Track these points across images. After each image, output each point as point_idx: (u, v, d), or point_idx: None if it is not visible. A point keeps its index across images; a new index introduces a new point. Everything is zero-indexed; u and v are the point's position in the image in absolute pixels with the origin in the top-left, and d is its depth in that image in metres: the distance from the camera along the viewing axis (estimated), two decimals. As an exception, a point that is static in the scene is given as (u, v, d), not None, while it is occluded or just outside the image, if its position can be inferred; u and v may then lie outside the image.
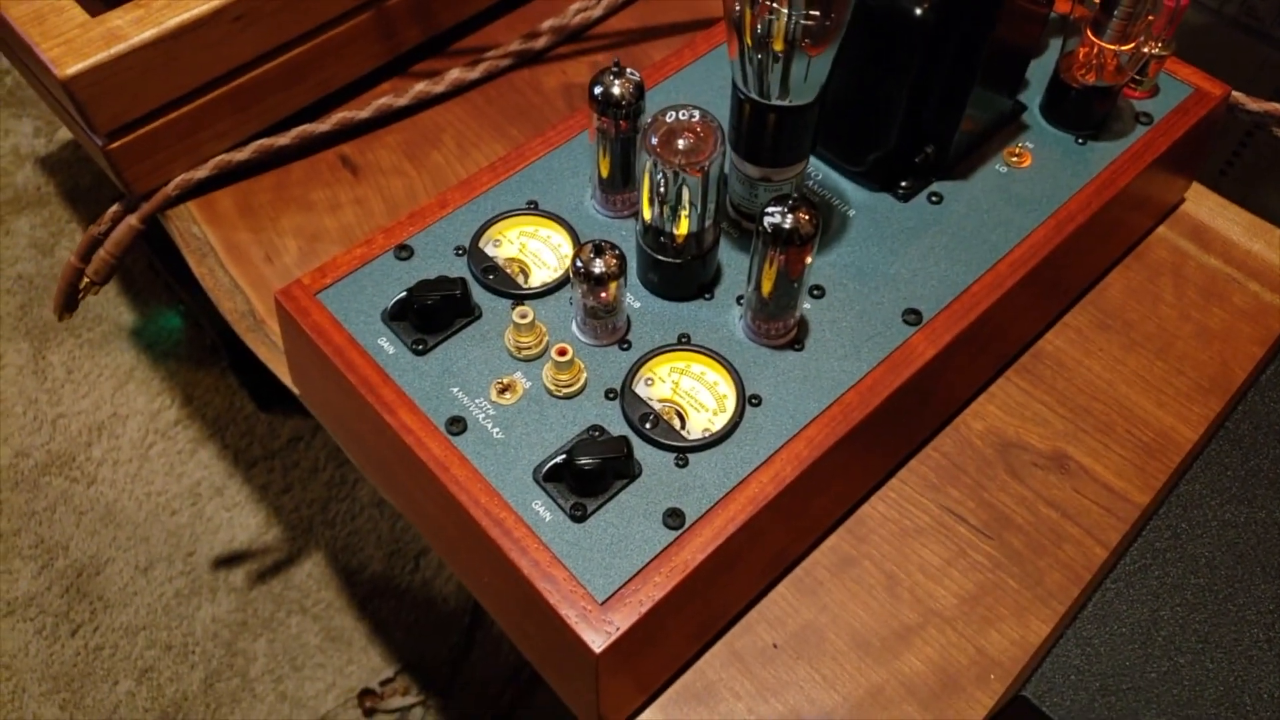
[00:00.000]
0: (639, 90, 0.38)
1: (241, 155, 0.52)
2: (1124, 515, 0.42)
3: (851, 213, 0.42)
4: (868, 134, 0.41)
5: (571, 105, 0.57)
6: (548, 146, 0.45)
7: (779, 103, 0.36)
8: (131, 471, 1.06)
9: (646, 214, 0.37)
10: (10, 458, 0.96)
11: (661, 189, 0.36)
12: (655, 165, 0.35)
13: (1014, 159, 0.44)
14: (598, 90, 0.38)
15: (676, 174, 0.35)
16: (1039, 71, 0.46)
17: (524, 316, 0.37)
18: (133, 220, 0.52)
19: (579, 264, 0.36)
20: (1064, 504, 0.43)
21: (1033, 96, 0.46)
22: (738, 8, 0.33)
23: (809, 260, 0.35)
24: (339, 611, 0.87)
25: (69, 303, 0.55)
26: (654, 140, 0.35)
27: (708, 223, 0.37)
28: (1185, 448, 0.44)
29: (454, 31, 0.59)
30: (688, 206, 0.36)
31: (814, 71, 0.35)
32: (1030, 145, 0.45)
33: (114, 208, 0.52)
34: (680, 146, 0.35)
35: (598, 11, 0.60)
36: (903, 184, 0.43)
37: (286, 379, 0.46)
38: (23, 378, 1.00)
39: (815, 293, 0.40)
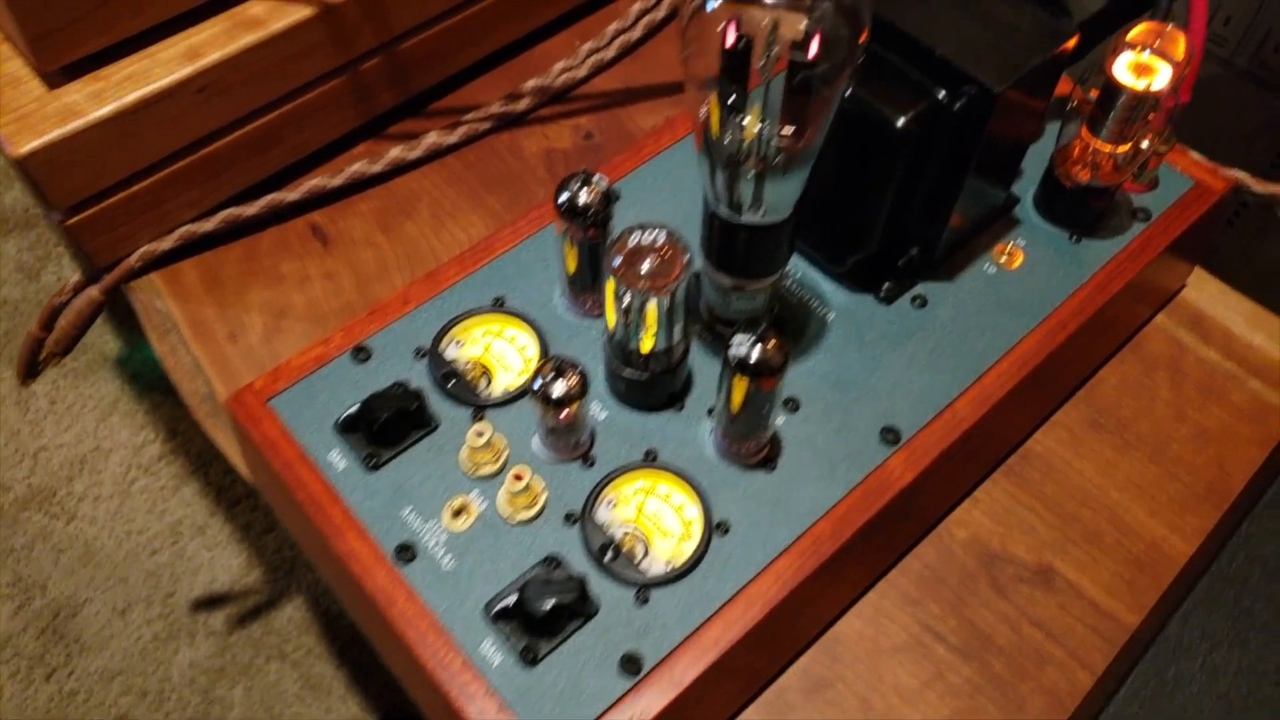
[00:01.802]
0: (606, 199, 0.36)
1: (208, 226, 0.51)
2: (1111, 637, 0.40)
3: (831, 316, 0.40)
4: (848, 236, 0.39)
5: (553, 171, 0.55)
6: (518, 237, 0.43)
7: (750, 220, 0.34)
8: (113, 508, 1.05)
9: (612, 327, 0.36)
10: (-10, 492, 0.94)
11: (626, 309, 0.34)
12: (619, 285, 0.33)
13: (1004, 258, 0.42)
14: (563, 198, 0.36)
15: (641, 296, 0.33)
16: (1034, 157, 0.44)
17: (480, 435, 0.35)
18: (94, 292, 0.50)
19: (538, 384, 0.34)
20: (1048, 623, 0.41)
21: (1027, 186, 0.44)
22: (705, 126, 0.31)
23: (778, 388, 0.33)
24: (319, 659, 0.86)
25: (30, 370, 0.54)
26: (617, 262, 0.33)
27: (675, 340, 0.36)
28: (1179, 562, 0.42)
29: (433, 90, 0.57)
30: (654, 326, 0.34)
31: (786, 191, 0.33)
32: (1022, 242, 0.43)
33: (75, 278, 0.51)
34: (644, 269, 0.33)
35: (582, 72, 0.58)
36: (885, 285, 0.41)
37: (244, 471, 0.45)
38: (5, 408, 0.99)
39: (790, 406, 0.38)
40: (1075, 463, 0.45)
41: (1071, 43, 0.35)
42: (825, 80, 0.30)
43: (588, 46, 0.58)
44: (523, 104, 0.56)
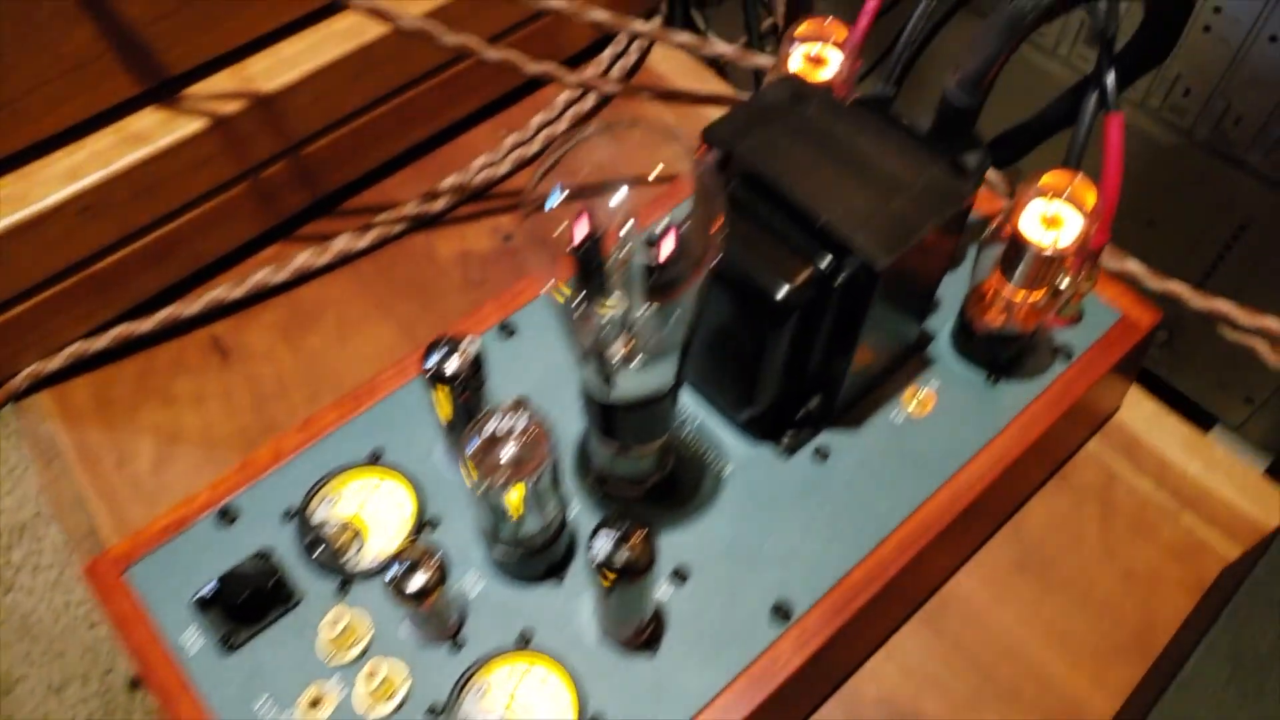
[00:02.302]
0: (476, 365, 0.34)
1: (99, 343, 0.48)
2: (1025, 808, 0.38)
3: (728, 470, 0.38)
4: (739, 393, 0.37)
5: (467, 277, 0.53)
6: (402, 378, 0.41)
7: (622, 399, 0.32)
8: (52, 579, 1.02)
9: (476, 501, 0.33)
10: (-73, 561, 0.92)
11: (486, 495, 0.32)
12: (478, 474, 0.31)
13: (914, 404, 0.40)
14: (429, 364, 0.34)
15: (501, 486, 0.31)
16: (955, 284, 0.42)
17: (336, 622, 0.33)
18: (-21, 414, 0.48)
19: (391, 576, 0.32)
20: (960, 794, 0.39)
21: (946, 318, 0.42)
22: (564, 311, 0.29)
23: (648, 580, 0.31)
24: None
25: (-79, 488, 0.51)
26: (472, 448, 0.31)
27: (548, 519, 0.34)
28: (1101, 721, 0.40)
29: (348, 186, 0.55)
30: (520, 510, 0.32)
31: (658, 372, 0.31)
32: (935, 384, 0.40)
33: (-40, 399, 0.49)
34: (504, 457, 0.31)
35: (504, 168, 0.56)
36: (785, 437, 0.38)
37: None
38: (-54, 472, 0.97)
39: (677, 577, 0.36)
40: (996, 609, 0.42)
41: (968, 203, 0.33)
42: (683, 274, 0.28)
43: (511, 140, 0.56)
44: (439, 204, 0.54)
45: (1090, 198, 0.35)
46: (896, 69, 0.41)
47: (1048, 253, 0.35)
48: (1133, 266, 0.50)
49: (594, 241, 0.27)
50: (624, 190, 0.28)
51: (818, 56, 0.39)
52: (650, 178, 0.28)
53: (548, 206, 0.27)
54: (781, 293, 0.32)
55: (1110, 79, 0.37)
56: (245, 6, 0.46)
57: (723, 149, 0.34)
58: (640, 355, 0.30)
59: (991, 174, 0.52)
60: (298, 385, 0.49)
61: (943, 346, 0.42)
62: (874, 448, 0.39)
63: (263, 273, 0.51)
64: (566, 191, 0.28)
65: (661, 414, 0.34)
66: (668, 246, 0.27)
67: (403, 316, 0.51)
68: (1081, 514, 0.45)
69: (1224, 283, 0.71)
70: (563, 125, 0.57)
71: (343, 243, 0.52)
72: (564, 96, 0.57)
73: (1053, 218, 0.35)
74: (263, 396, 0.49)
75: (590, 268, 0.28)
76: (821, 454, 0.39)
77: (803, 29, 0.40)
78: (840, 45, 0.39)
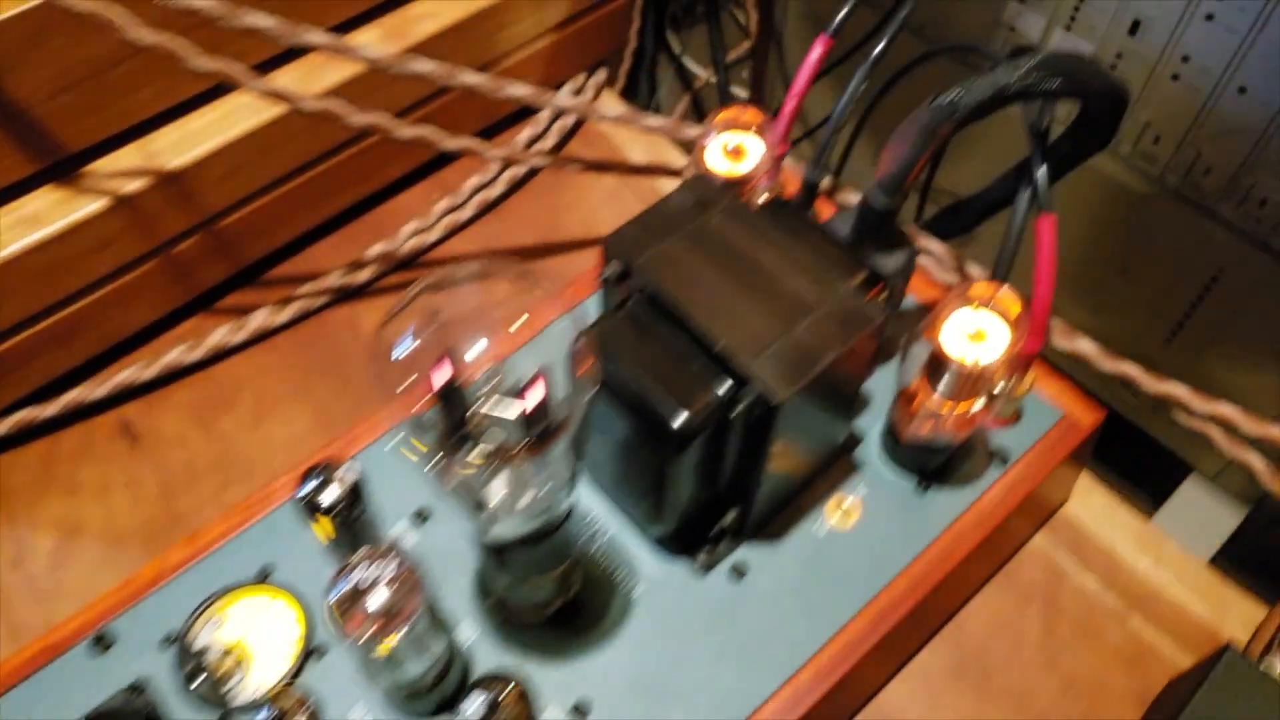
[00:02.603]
0: (354, 494, 0.32)
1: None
2: None
3: (638, 591, 0.36)
4: (648, 511, 0.35)
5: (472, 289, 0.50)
6: (295, 487, 0.38)
7: (503, 541, 0.30)
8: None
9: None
10: None
11: (357, 643, 0.29)
12: (345, 627, 0.29)
13: (837, 515, 0.38)
14: (300, 494, 0.32)
15: (371, 638, 0.29)
16: (887, 378, 0.40)
17: (203, 776, 0.31)
18: None
19: (261, 725, 0.30)
20: None
21: (876, 418, 0.40)
22: (421, 467, 0.27)
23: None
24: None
25: None
26: (335, 596, 0.28)
27: (434, 660, 0.31)
28: None
29: (268, 258, 0.53)
30: (398, 659, 0.30)
31: (542, 514, 0.29)
32: (862, 492, 0.38)
33: None
34: (370, 608, 0.28)
35: (434, 235, 0.53)
36: (700, 554, 0.36)
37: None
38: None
39: (578, 713, 0.34)
40: (931, 721, 0.40)
41: (877, 326, 0.31)
42: (553, 422, 0.26)
43: (443, 205, 0.54)
44: (364, 274, 0.52)
45: (1015, 309, 0.33)
46: (824, 156, 0.39)
47: (970, 370, 0.33)
48: (1084, 346, 0.48)
49: (454, 390, 0.25)
50: (483, 339, 0.26)
51: (737, 148, 0.37)
52: (512, 329, 0.26)
53: (399, 355, 0.25)
54: (678, 421, 0.30)
55: (1042, 177, 0.35)
56: (145, 83, 0.44)
57: (622, 262, 0.32)
58: (518, 502, 0.28)
59: (937, 246, 0.50)
60: (208, 473, 0.47)
61: (872, 448, 0.39)
62: (795, 563, 0.37)
63: (176, 351, 0.49)
64: (417, 341, 0.25)
65: (553, 547, 0.31)
66: (534, 396, 0.25)
67: (321, 397, 0.49)
68: (1024, 615, 0.43)
69: (1203, 329, 0.69)
70: (498, 189, 0.55)
71: (261, 318, 0.50)
72: (495, 159, 0.55)
73: (977, 331, 0.33)
74: (171, 486, 0.46)
75: (451, 420, 0.25)
76: (739, 571, 0.36)
77: (723, 115, 0.38)
78: (760, 133, 0.37)
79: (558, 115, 0.56)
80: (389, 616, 0.28)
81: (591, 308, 0.42)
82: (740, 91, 1.01)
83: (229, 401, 0.49)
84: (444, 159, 0.57)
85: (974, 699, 0.41)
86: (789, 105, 0.39)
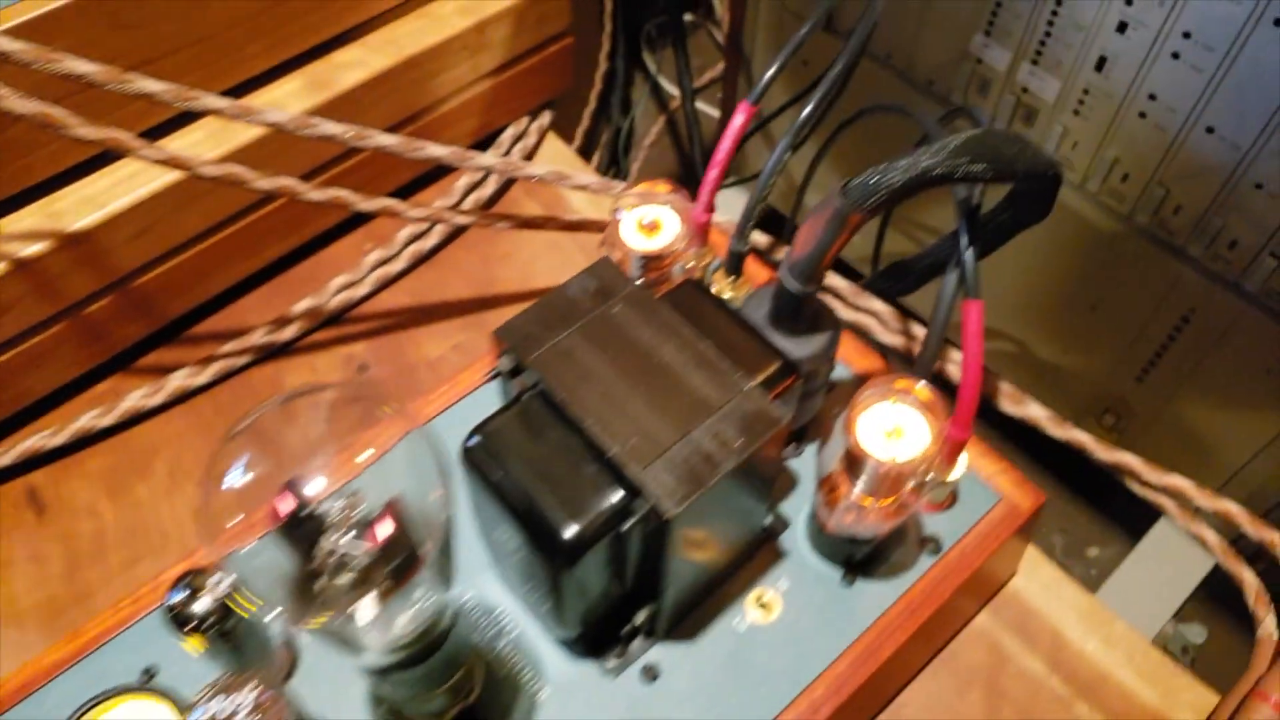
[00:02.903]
0: (226, 611, 0.30)
1: (-102, 500, 0.44)
2: None
3: (544, 695, 0.34)
4: (551, 614, 0.33)
5: (315, 412, 0.48)
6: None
7: (380, 665, 0.28)
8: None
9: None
10: None
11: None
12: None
13: (759, 608, 0.36)
14: (170, 605, 0.30)
15: (232, 770, 0.27)
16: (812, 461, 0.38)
17: None
18: None
19: None
20: None
21: (803, 501, 0.38)
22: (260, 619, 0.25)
23: None
24: None
25: None
26: (197, 730, 0.26)
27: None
28: None
29: (195, 312, 0.51)
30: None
31: (417, 637, 0.27)
32: (784, 585, 0.36)
33: None
34: (230, 741, 0.26)
35: (364, 289, 0.51)
36: (610, 657, 0.34)
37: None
38: None
39: (474, 828, 0.32)
40: (862, 819, 0.38)
41: (779, 432, 0.29)
42: (410, 554, 0.24)
43: (374, 257, 0.52)
44: (289, 331, 0.50)
45: (937, 407, 0.31)
46: (745, 225, 0.37)
47: (887, 468, 0.31)
48: (1035, 411, 0.46)
49: (299, 522, 0.23)
50: (325, 466, 0.24)
51: (653, 223, 0.35)
52: (359, 459, 0.24)
53: (229, 485, 0.23)
54: (568, 533, 0.28)
55: (970, 261, 0.33)
56: (37, 146, 0.42)
57: (514, 356, 0.30)
58: (389, 634, 0.26)
59: (880, 306, 0.48)
60: (118, 545, 0.45)
61: (799, 533, 0.37)
62: (712, 662, 0.34)
63: (88, 416, 0.47)
64: (251, 473, 0.23)
65: (441, 660, 0.29)
66: (384, 530, 0.23)
67: (241, 462, 0.47)
68: (965, 701, 0.41)
69: (1175, 367, 0.67)
70: (432, 240, 0.53)
71: (180, 379, 0.48)
72: (436, 205, 0.53)
73: (895, 428, 0.31)
74: (78, 560, 0.44)
75: (297, 554, 0.23)
76: (651, 673, 0.34)
77: (638, 189, 0.36)
78: (677, 208, 0.35)
79: (486, 175, 0.54)
80: (250, 751, 0.26)
81: (479, 399, 0.40)
82: (711, 110, 0.99)
83: (143, 468, 0.47)
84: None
85: (909, 795, 0.39)
86: (711, 174, 0.37)
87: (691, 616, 0.35)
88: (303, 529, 0.23)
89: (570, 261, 0.54)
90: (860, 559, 0.36)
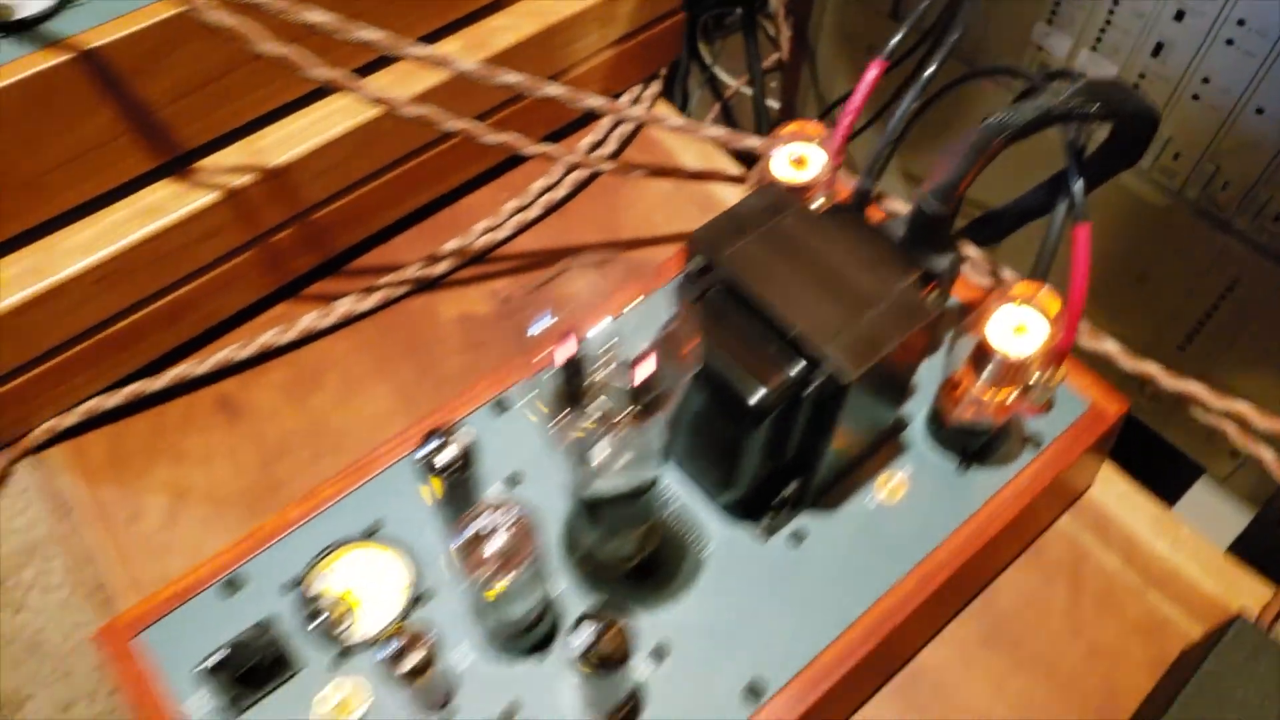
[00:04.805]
0: (466, 456, 0.36)
1: (114, 400, 0.51)
2: None
3: (708, 552, 0.40)
4: (720, 479, 0.39)
5: (467, 339, 0.55)
6: (401, 451, 0.43)
7: (602, 497, 0.34)
8: (61, 599, 1.04)
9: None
10: (-60, 581, 0.94)
11: (474, 583, 0.34)
12: (464, 566, 0.33)
13: (885, 491, 0.42)
14: (419, 457, 0.36)
15: (487, 578, 0.33)
16: (933, 368, 0.44)
17: (324, 702, 0.35)
18: (-2, 466, 0.50)
19: (384, 654, 0.34)
20: None
21: (922, 402, 0.44)
22: (542, 427, 0.31)
23: (625, 668, 0.33)
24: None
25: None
26: (457, 544, 0.33)
27: (532, 605, 0.35)
28: (1060, 796, 0.42)
29: (352, 250, 0.57)
30: (507, 598, 0.34)
31: (637, 475, 0.33)
32: (908, 470, 0.42)
33: (-23, 452, 0.51)
34: (488, 553, 0.33)
35: (504, 232, 0.58)
36: (764, 520, 0.40)
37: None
38: (-41, 492, 0.99)
39: (657, 655, 0.38)
40: (964, 682, 0.44)
41: (933, 320, 0.35)
42: (658, 394, 0.30)
43: (511, 205, 0.58)
44: (440, 267, 0.56)
45: (1054, 307, 0.37)
46: (877, 166, 0.43)
47: (1012, 360, 0.37)
48: (1109, 347, 0.52)
49: (575, 363, 0.29)
50: (606, 318, 0.30)
51: (801, 158, 0.41)
52: (626, 310, 0.30)
53: (533, 332, 0.29)
54: (755, 398, 0.34)
55: (1079, 190, 0.39)
56: (255, 86, 0.48)
57: (705, 257, 0.36)
58: (618, 462, 0.32)
59: (973, 251, 0.54)
60: (301, 445, 0.51)
61: (917, 431, 0.43)
62: (847, 532, 0.41)
63: (270, 333, 0.53)
64: (555, 318, 0.30)
65: (641, 507, 0.36)
66: (644, 370, 0.29)
67: (403, 379, 0.53)
68: (1050, 590, 0.47)
69: (1216, 337, 0.73)
70: (562, 191, 0.59)
71: (347, 305, 0.54)
72: (563, 163, 0.59)
73: (1019, 325, 0.37)
74: (268, 456, 0.51)
75: (571, 388, 0.30)
76: (798, 537, 0.40)
77: (788, 129, 0.42)
78: (823, 145, 0.41)
79: (617, 123, 0.60)
80: (505, 560, 0.33)
81: (661, 300, 0.46)
82: (771, 102, 1.05)
83: (318, 380, 0.53)
84: (510, 163, 0.61)
85: (1005, 663, 0.45)
86: (845, 120, 0.43)
87: (831, 494, 0.41)
88: (577, 367, 0.29)
89: (682, 211, 0.60)
90: (973, 450, 0.42)
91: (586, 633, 0.32)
